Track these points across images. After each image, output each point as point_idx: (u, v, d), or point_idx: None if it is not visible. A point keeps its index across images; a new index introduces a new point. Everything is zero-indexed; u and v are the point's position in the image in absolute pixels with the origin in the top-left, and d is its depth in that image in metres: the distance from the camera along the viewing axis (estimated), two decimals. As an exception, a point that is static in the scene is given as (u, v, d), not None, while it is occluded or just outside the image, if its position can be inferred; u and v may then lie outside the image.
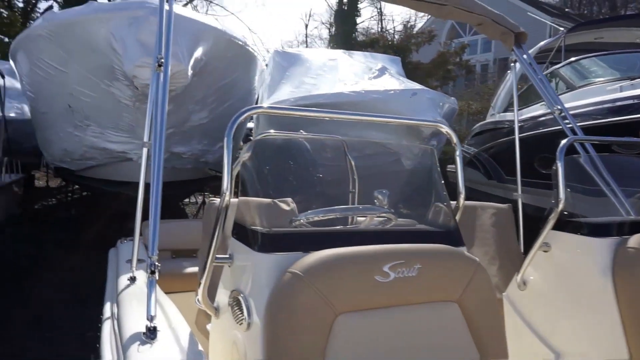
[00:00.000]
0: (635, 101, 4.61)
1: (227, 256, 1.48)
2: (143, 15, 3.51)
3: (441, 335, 1.36)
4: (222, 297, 1.50)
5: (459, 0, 2.76)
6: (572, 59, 6.12)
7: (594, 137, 2.87)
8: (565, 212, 1.98)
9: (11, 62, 5.42)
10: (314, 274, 1.22)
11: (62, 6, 12.97)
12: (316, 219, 1.63)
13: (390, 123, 1.69)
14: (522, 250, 3.07)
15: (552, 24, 11.72)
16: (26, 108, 6.77)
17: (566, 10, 20.89)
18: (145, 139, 2.11)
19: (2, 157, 5.49)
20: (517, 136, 3.56)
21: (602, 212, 2.29)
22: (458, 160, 1.66)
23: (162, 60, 1.88)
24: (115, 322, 1.65)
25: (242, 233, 1.44)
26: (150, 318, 1.34)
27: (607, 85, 5.23)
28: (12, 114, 7.39)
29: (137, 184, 4.88)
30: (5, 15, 13.52)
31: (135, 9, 3.59)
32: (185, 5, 17.82)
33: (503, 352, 1.45)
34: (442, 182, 1.70)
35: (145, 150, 2.13)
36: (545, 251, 2.09)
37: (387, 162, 5.24)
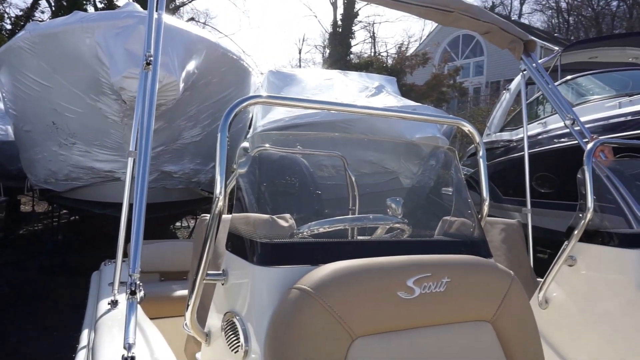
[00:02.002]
0: (633, 117, 4.57)
1: (220, 272, 1.27)
2: (132, 25, 3.36)
3: None
4: (214, 320, 1.28)
5: (465, 7, 2.65)
6: (569, 77, 6.13)
7: (620, 140, 2.72)
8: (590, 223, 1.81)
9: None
10: (325, 290, 1.00)
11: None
12: (321, 230, 1.43)
13: (404, 118, 1.51)
14: (532, 267, 2.90)
15: (545, 44, 11.89)
16: (10, 129, 6.54)
17: (554, 34, 21.36)
18: (132, 148, 1.92)
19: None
20: (526, 151, 3.43)
21: (623, 223, 2.12)
22: (481, 162, 1.48)
23: (151, 58, 1.71)
24: (91, 352, 1.42)
25: (238, 245, 1.23)
26: (128, 347, 1.11)
27: (606, 102, 5.20)
28: (-5, 136, 7.17)
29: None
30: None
31: (124, 18, 3.44)
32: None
33: None
34: (465, 185, 1.51)
35: (130, 160, 1.93)
36: (570, 265, 1.90)
37: (388, 180, 5.07)
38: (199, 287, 1.17)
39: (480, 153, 1.48)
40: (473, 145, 8.49)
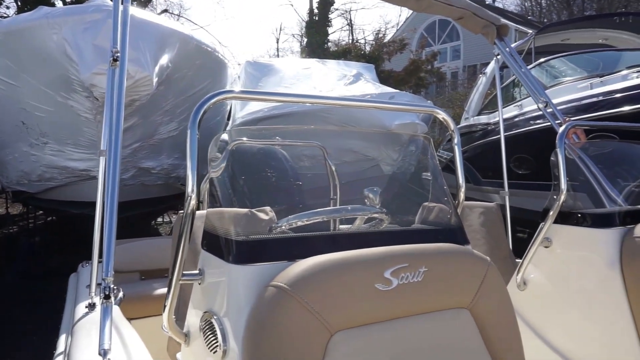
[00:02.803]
0: (603, 98, 4.67)
1: (197, 272, 1.25)
2: (100, 19, 3.25)
3: (452, 347, 1.17)
4: (193, 320, 1.26)
5: (437, -8, 2.64)
6: (542, 59, 6.22)
7: (592, 122, 2.77)
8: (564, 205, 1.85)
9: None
10: (302, 286, 1.00)
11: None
12: (299, 224, 1.42)
13: (380, 109, 1.50)
14: (511, 249, 2.96)
15: (518, 27, 12.00)
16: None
17: (528, 17, 21.61)
18: (103, 147, 1.87)
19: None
20: (502, 135, 3.48)
21: (595, 204, 2.17)
22: (457, 149, 1.48)
23: (118, 54, 1.66)
24: (67, 358, 1.39)
25: (214, 243, 1.21)
26: (104, 353, 1.09)
27: (577, 84, 5.29)
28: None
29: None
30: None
31: (91, 12, 3.32)
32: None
33: None
34: (441, 173, 1.52)
35: (102, 159, 1.88)
36: (546, 247, 1.95)
37: (368, 168, 5.08)
38: (175, 288, 1.15)
39: (455, 140, 1.49)
40: (451, 130, 8.60)
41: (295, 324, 0.97)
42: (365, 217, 1.54)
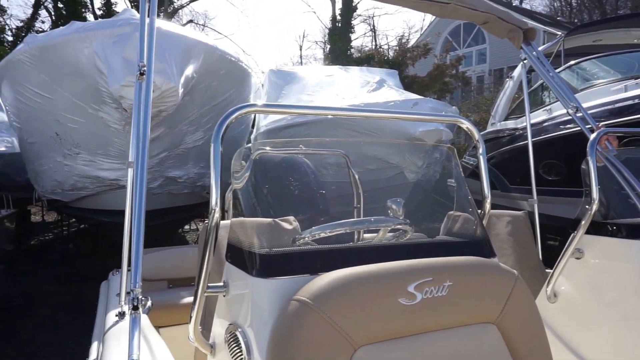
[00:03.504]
0: None
1: (221, 284, 1.26)
2: (128, 32, 3.36)
3: None
4: (219, 331, 1.27)
5: (461, -3, 2.61)
6: (572, 62, 6.03)
7: (625, 129, 2.67)
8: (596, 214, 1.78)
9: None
10: (325, 300, 0.99)
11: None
12: (322, 235, 1.42)
13: (402, 119, 1.48)
14: (541, 259, 2.86)
15: (547, 29, 11.71)
16: (16, 141, 6.61)
17: (557, 18, 21.08)
18: (131, 158, 1.92)
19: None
20: (530, 141, 3.38)
21: (631, 214, 2.08)
22: (481, 159, 1.45)
23: (145, 68, 1.70)
24: None
25: (238, 256, 1.22)
26: None
27: (612, 86, 5.11)
28: (2, 148, 7.23)
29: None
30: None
31: (120, 26, 3.43)
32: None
33: None
34: (466, 185, 1.48)
35: (130, 171, 1.93)
36: (577, 258, 1.88)
37: (393, 175, 5.02)
38: (200, 300, 1.17)
39: (480, 150, 1.45)
40: (480, 134, 8.42)
41: (318, 338, 0.97)
42: (389, 228, 1.53)
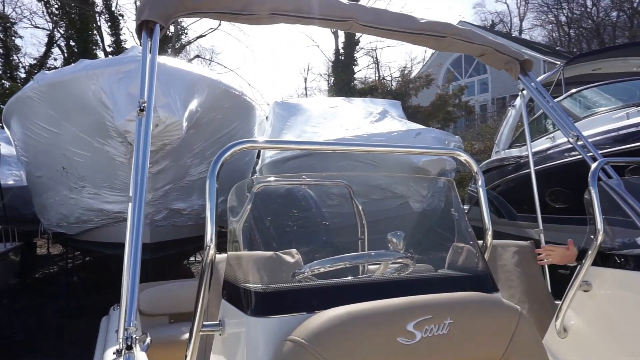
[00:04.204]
0: None
1: (217, 322, 1.23)
2: (134, 69, 3.44)
3: None
4: None
5: (458, 31, 2.66)
6: (573, 90, 6.08)
7: (626, 158, 2.65)
8: (603, 245, 1.74)
9: (5, 127, 5.38)
10: (320, 340, 0.96)
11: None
12: (322, 270, 1.40)
13: (402, 152, 1.48)
14: (550, 290, 2.79)
15: (547, 59, 11.87)
16: (24, 174, 6.70)
17: (557, 48, 21.41)
18: (131, 193, 1.93)
19: (-3, 226, 5.31)
20: (532, 169, 3.37)
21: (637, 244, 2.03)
22: (481, 191, 1.43)
23: (145, 104, 1.73)
24: None
25: (234, 293, 1.20)
26: None
27: (613, 114, 5.12)
28: (10, 181, 7.31)
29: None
30: (7, 86, 13.95)
31: (126, 63, 3.53)
32: (186, 67, 18.48)
33: None
34: (466, 217, 1.46)
35: (130, 205, 1.94)
36: (585, 290, 1.83)
37: (397, 205, 4.97)
38: (196, 339, 1.14)
39: (479, 182, 1.44)
40: (484, 163, 8.41)
41: None
42: (390, 262, 1.50)
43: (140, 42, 2.07)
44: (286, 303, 1.10)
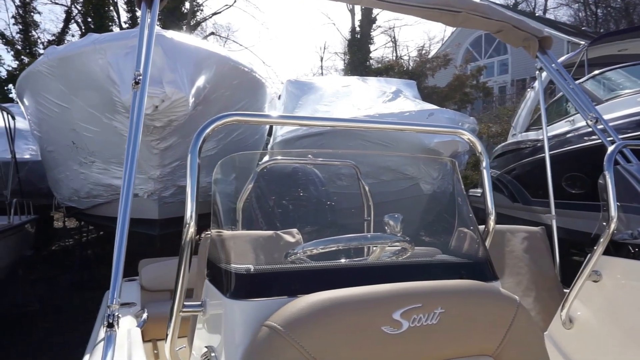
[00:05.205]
0: None
1: (199, 303, 1.20)
2: (140, 44, 3.39)
3: None
4: (197, 352, 1.21)
5: (474, 6, 2.52)
6: (596, 72, 5.83)
7: None
8: (616, 233, 1.65)
9: (19, 102, 5.41)
10: (298, 327, 0.91)
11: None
12: (315, 252, 1.34)
13: (403, 130, 1.40)
14: (560, 279, 2.71)
15: (571, 39, 11.42)
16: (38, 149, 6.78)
17: (582, 28, 20.60)
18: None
19: (12, 199, 5.40)
20: (547, 153, 3.25)
21: None
22: (485, 173, 1.35)
23: (140, 77, 1.67)
24: None
25: (216, 273, 1.16)
26: None
27: (637, 97, 4.90)
28: (27, 156, 7.42)
29: (145, 220, 4.61)
30: (26, 62, 14.08)
31: (133, 37, 3.47)
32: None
33: None
34: (467, 200, 1.39)
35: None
36: (595, 281, 1.75)
37: (407, 187, 4.87)
38: (176, 319, 1.11)
39: (484, 163, 1.36)
40: (500, 146, 8.21)
41: None
42: (386, 245, 1.44)
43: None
44: (268, 286, 1.05)
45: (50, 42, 17.69)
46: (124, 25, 17.71)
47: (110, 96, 3.70)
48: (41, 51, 17.41)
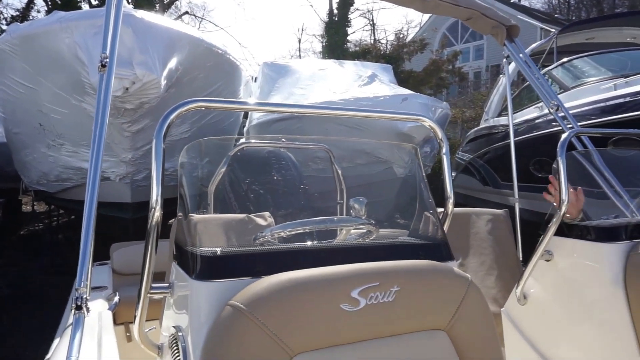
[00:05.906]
0: (630, 99, 4.47)
1: (167, 285, 1.23)
2: (109, 23, 3.30)
3: None
4: (166, 332, 1.25)
5: (443, -8, 2.56)
6: (564, 59, 6.01)
7: (597, 130, 2.64)
8: (568, 216, 1.76)
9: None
10: (260, 306, 0.96)
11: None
12: (283, 234, 1.39)
13: (367, 117, 1.45)
14: (522, 259, 2.85)
15: (543, 26, 11.64)
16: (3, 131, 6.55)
17: (555, 15, 20.97)
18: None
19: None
20: (512, 139, 3.36)
21: (604, 215, 2.06)
22: (445, 159, 1.42)
23: (107, 60, 1.66)
24: None
25: (182, 255, 1.19)
26: None
27: (601, 85, 5.09)
28: (-10, 137, 7.16)
29: (117, 204, 4.56)
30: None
31: (102, 16, 3.37)
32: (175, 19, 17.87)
33: None
34: (427, 184, 1.46)
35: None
36: (547, 260, 1.86)
37: (382, 170, 4.97)
38: (144, 300, 1.14)
39: (444, 150, 1.42)
40: (472, 130, 8.39)
41: (251, 346, 0.93)
42: (352, 228, 1.50)
43: None
44: (233, 267, 1.08)
45: (14, 18, 16.87)
46: (94, 2, 17.02)
47: (78, 77, 3.61)
48: (4, 27, 16.61)
